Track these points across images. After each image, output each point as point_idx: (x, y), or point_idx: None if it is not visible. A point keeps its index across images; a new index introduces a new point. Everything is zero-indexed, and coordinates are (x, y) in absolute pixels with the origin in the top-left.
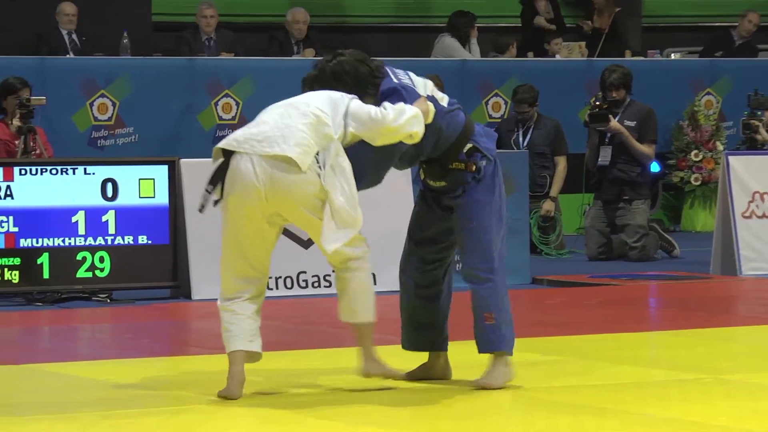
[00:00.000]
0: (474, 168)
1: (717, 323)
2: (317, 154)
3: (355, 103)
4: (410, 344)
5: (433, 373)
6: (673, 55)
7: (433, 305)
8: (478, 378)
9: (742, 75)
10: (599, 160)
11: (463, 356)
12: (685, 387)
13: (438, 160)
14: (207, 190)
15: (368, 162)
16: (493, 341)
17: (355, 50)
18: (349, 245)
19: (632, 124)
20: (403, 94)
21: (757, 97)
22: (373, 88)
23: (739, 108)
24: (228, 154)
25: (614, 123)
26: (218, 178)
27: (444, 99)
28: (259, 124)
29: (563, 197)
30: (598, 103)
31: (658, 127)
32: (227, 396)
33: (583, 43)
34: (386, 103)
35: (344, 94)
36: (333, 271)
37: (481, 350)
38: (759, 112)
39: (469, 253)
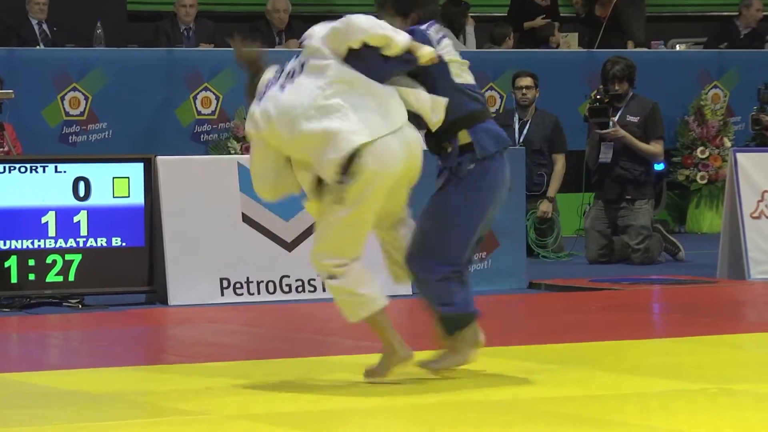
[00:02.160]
0: (455, 160)
1: (724, 330)
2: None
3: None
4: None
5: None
6: (678, 46)
7: None
8: (435, 360)
9: (751, 67)
10: (600, 157)
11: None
12: (691, 397)
13: (435, 135)
14: None
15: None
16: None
17: None
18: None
19: (635, 119)
20: (415, 34)
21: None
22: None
23: (747, 102)
24: None
25: (614, 129)
26: None
27: (462, 77)
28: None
29: (562, 197)
30: (599, 97)
31: (663, 122)
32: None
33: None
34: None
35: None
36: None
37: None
38: None
39: (416, 249)
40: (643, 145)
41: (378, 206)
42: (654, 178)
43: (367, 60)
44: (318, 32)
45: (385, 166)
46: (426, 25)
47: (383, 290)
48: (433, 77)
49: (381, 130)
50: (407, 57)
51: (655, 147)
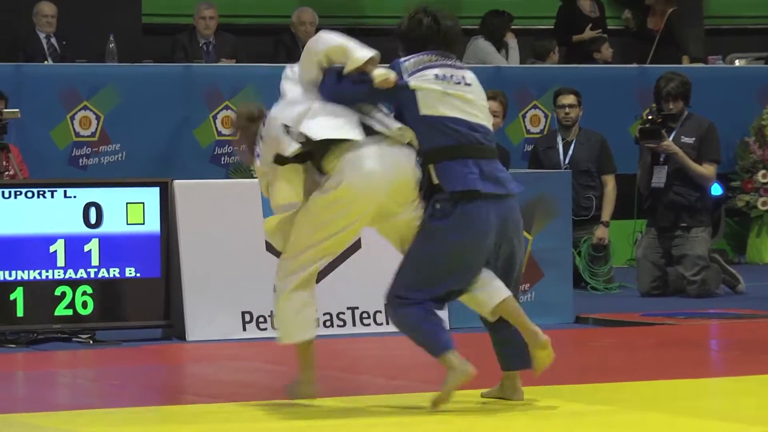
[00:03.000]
0: (428, 197)
1: None
2: None
3: None
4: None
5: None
6: (737, 61)
7: None
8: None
9: None
10: (653, 181)
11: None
12: None
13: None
14: None
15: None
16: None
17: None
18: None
19: (690, 140)
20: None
21: None
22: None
23: None
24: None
25: (667, 142)
26: None
27: (437, 109)
28: None
29: (611, 224)
30: (650, 117)
31: (720, 144)
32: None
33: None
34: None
35: None
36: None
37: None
38: None
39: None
40: (694, 165)
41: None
42: (711, 204)
43: (324, 79)
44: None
45: (362, 180)
46: (417, 54)
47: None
48: (399, 106)
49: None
50: (362, 77)
51: (707, 169)
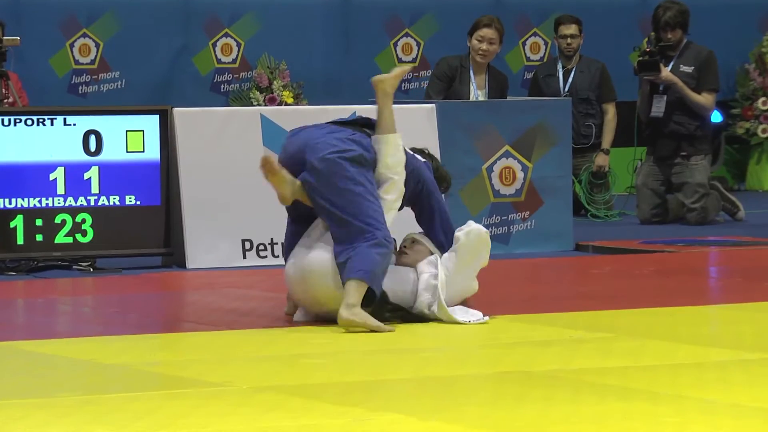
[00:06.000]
0: None
1: None
2: None
3: None
4: None
5: None
6: None
7: None
8: None
9: None
10: (652, 110)
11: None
12: (750, 368)
13: None
14: None
15: None
16: None
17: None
18: None
19: (689, 69)
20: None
21: None
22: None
23: None
24: None
25: (665, 73)
26: None
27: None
28: None
29: (611, 152)
30: (648, 48)
31: (719, 72)
32: None
33: None
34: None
35: None
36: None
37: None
38: None
39: None
40: (693, 95)
41: None
42: (711, 132)
43: None
44: None
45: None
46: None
47: None
48: None
49: None
50: None
51: (706, 98)
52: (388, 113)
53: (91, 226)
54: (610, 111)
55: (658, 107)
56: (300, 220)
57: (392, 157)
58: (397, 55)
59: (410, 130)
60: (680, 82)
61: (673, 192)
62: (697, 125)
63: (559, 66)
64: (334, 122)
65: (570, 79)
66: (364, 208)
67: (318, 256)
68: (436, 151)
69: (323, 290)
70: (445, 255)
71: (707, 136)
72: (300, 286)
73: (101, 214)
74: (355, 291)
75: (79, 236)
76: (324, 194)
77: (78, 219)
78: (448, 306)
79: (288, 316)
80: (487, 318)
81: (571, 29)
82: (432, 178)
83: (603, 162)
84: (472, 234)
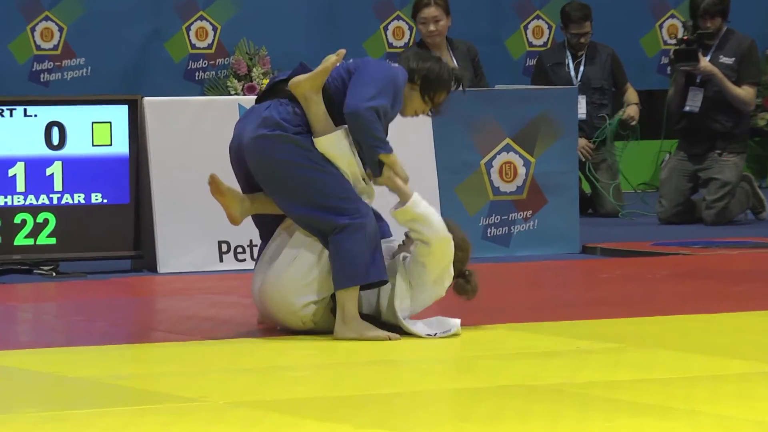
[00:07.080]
0: None
1: None
2: None
3: None
4: None
5: None
6: None
7: None
8: None
9: None
10: (687, 104)
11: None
12: None
13: None
14: None
15: None
16: None
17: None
18: None
19: (729, 61)
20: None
21: None
22: None
23: None
24: None
25: (704, 63)
26: None
27: None
28: None
29: (632, 145)
30: (685, 37)
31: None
32: None
33: None
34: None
35: None
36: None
37: None
38: None
39: None
40: (734, 88)
41: None
42: (749, 130)
43: None
44: None
45: None
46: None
47: None
48: None
49: None
50: None
51: (747, 92)
52: (315, 115)
53: (53, 226)
54: (630, 88)
55: (694, 101)
56: (267, 237)
57: (340, 159)
58: (387, 40)
59: (402, 121)
60: (720, 74)
61: (698, 190)
62: (735, 123)
63: (568, 53)
64: (262, 93)
65: (581, 69)
66: (316, 190)
67: (272, 281)
68: (429, 145)
69: (285, 315)
70: (408, 262)
71: (744, 135)
72: (265, 312)
73: (65, 214)
74: (347, 302)
75: (40, 238)
76: (276, 195)
77: (39, 219)
78: (420, 313)
79: (261, 325)
80: (456, 329)
81: (585, 27)
82: (374, 61)
83: (634, 113)
84: (435, 241)
